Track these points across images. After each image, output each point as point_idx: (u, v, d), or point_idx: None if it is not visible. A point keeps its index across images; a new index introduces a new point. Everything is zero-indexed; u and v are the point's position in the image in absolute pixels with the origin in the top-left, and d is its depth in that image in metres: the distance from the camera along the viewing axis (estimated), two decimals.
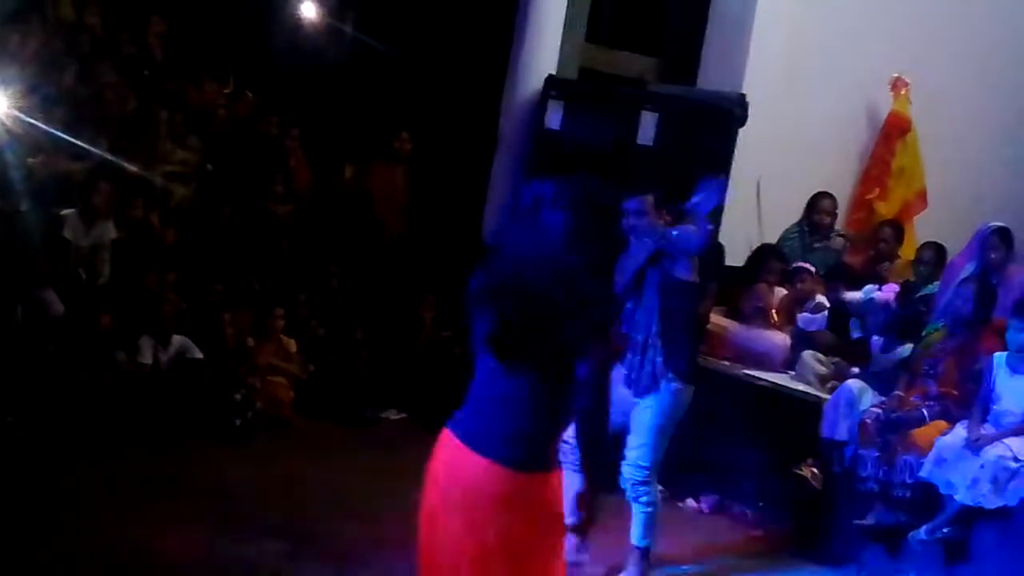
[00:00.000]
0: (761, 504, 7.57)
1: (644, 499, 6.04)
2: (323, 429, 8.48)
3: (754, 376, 7.94)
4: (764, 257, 8.61)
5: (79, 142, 8.83)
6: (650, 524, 6.06)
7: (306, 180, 10.08)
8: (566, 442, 5.64)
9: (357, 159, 10.29)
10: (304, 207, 9.88)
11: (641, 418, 5.98)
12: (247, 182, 9.59)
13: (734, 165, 9.15)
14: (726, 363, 8.19)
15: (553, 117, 9.71)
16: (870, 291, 8.08)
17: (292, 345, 8.74)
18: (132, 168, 8.99)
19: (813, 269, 8.58)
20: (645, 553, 6.08)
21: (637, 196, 6.08)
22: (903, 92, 9.96)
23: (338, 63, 11.13)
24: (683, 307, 6.03)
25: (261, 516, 6.50)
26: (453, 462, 3.90)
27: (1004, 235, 8.32)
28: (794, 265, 8.64)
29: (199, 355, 8.19)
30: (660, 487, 7.37)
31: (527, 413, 3.81)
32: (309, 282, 9.38)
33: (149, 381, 7.95)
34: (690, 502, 7.75)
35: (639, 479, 5.99)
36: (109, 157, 8.92)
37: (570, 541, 5.69)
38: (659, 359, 5.94)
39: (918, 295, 8.25)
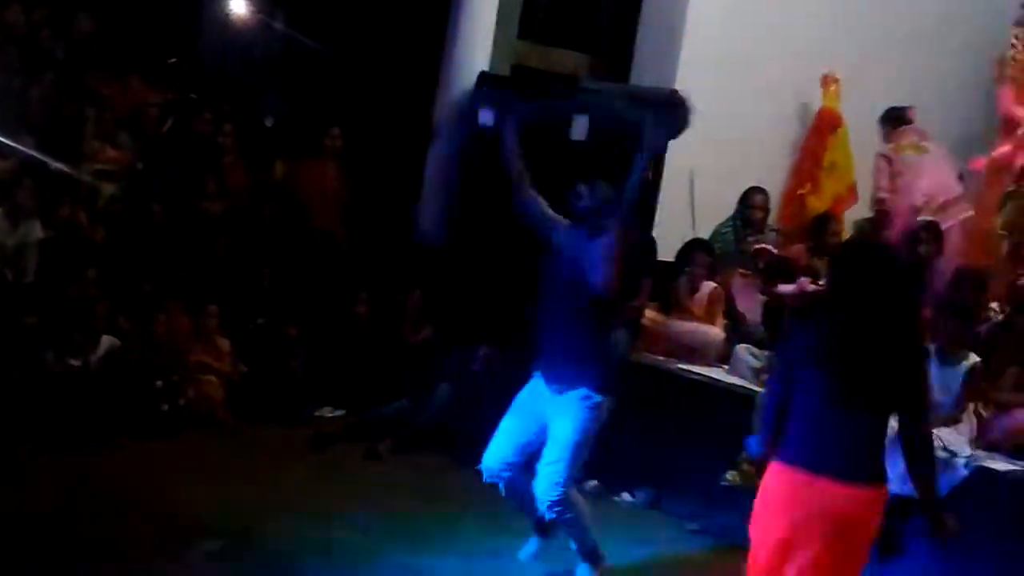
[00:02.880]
0: (695, 498, 7.59)
1: (566, 517, 5.87)
2: (257, 428, 8.41)
3: (688, 370, 7.97)
4: (691, 250, 8.64)
5: (3, 140, 8.68)
6: (582, 533, 5.98)
7: (240, 178, 9.99)
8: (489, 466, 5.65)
9: (289, 156, 10.21)
10: (237, 205, 9.78)
11: (558, 433, 5.78)
12: (179, 180, 9.48)
13: (667, 160, 9.20)
14: (660, 357, 8.21)
15: (486, 114, 9.69)
16: (804, 284, 8.13)
17: (225, 344, 8.66)
18: (59, 166, 8.86)
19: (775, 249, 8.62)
20: (589, 555, 6.05)
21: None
22: (833, 88, 10.07)
23: (270, 59, 11.05)
24: (596, 318, 5.83)
25: (192, 515, 6.43)
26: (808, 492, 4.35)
27: (932, 229, 8.45)
28: (754, 247, 8.67)
29: (129, 354, 8.08)
30: (595, 481, 7.42)
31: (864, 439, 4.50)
32: (242, 280, 9.29)
33: (78, 381, 7.83)
34: (625, 496, 7.76)
35: (555, 498, 5.78)
36: (35, 155, 8.78)
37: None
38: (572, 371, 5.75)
39: None
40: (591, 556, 6.01)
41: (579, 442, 5.77)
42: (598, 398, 5.76)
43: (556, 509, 5.80)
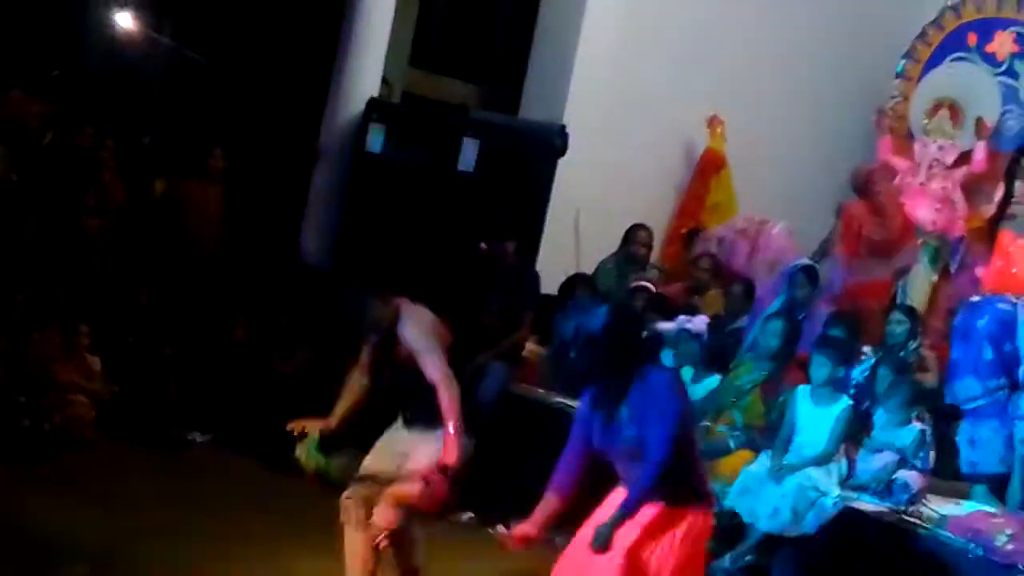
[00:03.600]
0: (572, 529, 7.58)
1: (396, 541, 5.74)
2: (126, 450, 8.22)
3: (566, 403, 7.97)
4: (573, 285, 8.68)
5: None
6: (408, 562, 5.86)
7: (119, 194, 9.80)
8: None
9: (170, 174, 10.05)
10: (116, 221, 9.59)
11: (415, 461, 5.65)
12: (58, 194, 9.27)
13: (553, 195, 9.25)
14: (539, 390, 8.21)
15: (374, 140, 9.68)
16: (683, 322, 8.19)
17: (96, 363, 8.46)
18: None
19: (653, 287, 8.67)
20: None
21: None
22: (719, 130, 10.25)
23: (155, 75, 10.88)
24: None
25: (58, 539, 6.25)
26: None
27: (810, 272, 8.60)
28: (633, 284, 8.71)
29: None
30: (470, 513, 7.38)
31: None
32: (118, 298, 9.11)
33: None
34: (500, 528, 7.70)
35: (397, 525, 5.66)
36: None
37: None
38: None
39: (727, 328, 8.44)
40: None
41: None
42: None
43: (393, 536, 5.64)
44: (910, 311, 8.35)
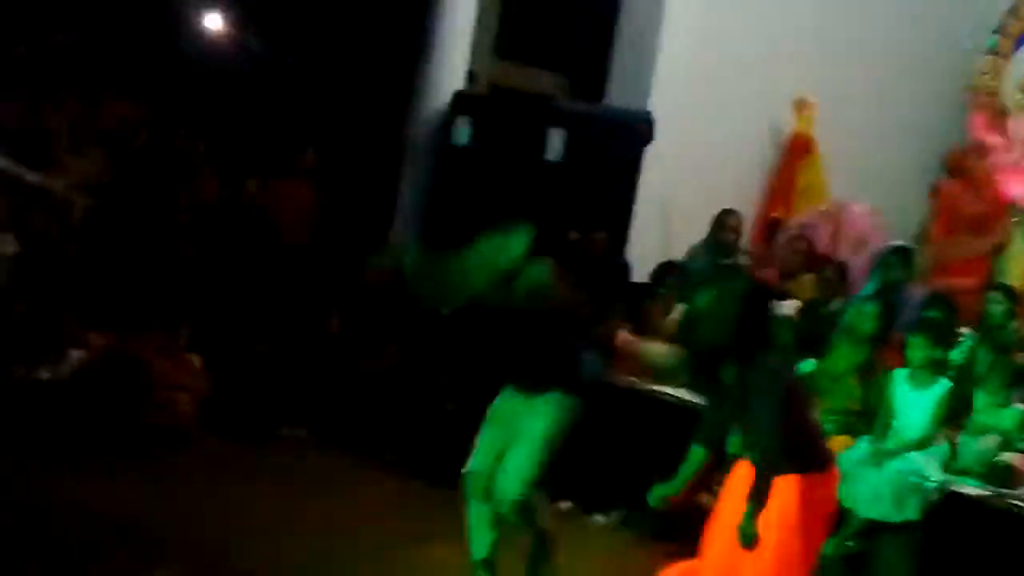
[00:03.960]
0: (668, 518, 7.57)
1: (525, 515, 5.87)
2: (226, 446, 8.35)
3: (660, 391, 7.97)
4: (665, 272, 8.66)
5: None
6: (540, 533, 5.98)
7: (212, 194, 9.95)
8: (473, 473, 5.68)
9: (263, 173, 10.18)
10: (209, 221, 9.75)
11: (527, 430, 5.82)
12: (152, 195, 9.44)
13: (641, 182, 9.23)
14: (633, 379, 8.21)
15: (461, 133, 9.73)
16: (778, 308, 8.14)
17: (196, 361, 8.61)
18: (32, 180, 8.80)
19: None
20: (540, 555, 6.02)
21: None
22: (806, 112, 10.15)
23: (245, 76, 11.01)
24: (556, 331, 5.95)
25: (161, 535, 6.36)
26: None
27: (904, 254, 8.51)
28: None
29: (98, 369, 8.04)
30: (568, 502, 7.40)
31: None
32: (214, 297, 9.25)
33: (47, 396, 7.77)
34: (597, 516, 7.75)
35: (518, 496, 5.79)
36: (8, 168, 8.72)
37: None
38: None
39: (821, 312, 8.38)
40: (488, 564, 5.97)
41: (547, 441, 5.81)
42: (568, 399, 5.84)
43: (519, 513, 5.81)
44: (1008, 290, 8.23)
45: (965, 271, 9.01)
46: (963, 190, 9.15)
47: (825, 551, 6.67)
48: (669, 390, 7.97)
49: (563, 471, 6.07)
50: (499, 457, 5.87)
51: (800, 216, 9.93)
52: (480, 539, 5.95)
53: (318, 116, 10.41)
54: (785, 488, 4.72)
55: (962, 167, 9.16)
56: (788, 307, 8.05)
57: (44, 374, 7.86)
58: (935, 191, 9.28)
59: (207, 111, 10.44)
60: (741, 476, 4.93)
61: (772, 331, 4.94)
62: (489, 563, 5.97)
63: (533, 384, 5.87)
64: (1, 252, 8.42)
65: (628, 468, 7.54)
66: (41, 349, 7.93)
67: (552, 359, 5.90)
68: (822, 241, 9.53)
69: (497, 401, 6.00)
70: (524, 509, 5.80)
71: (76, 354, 8.04)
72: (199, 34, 10.65)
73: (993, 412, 6.94)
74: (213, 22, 10.62)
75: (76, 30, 9.93)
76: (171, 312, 8.80)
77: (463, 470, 5.94)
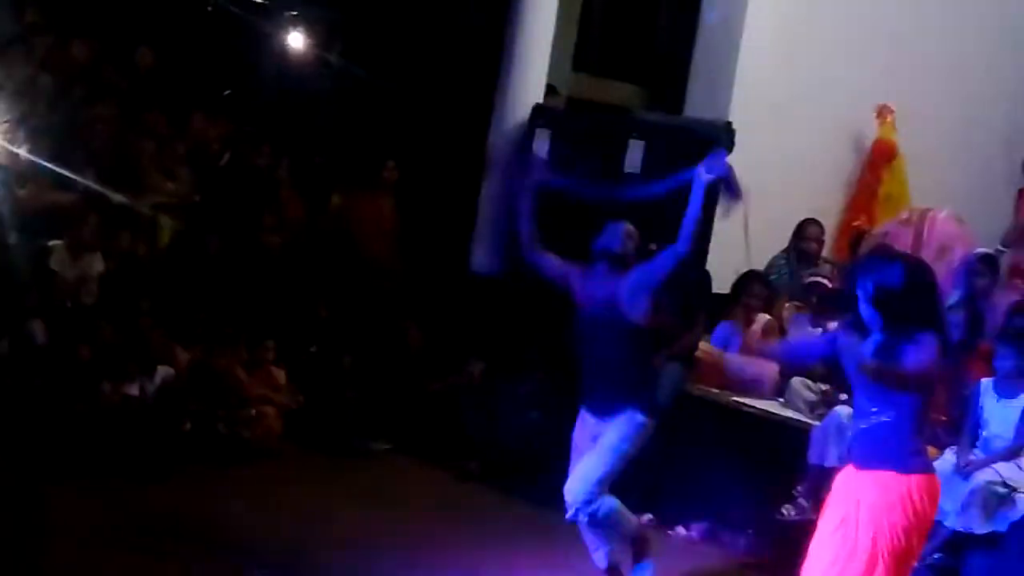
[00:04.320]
0: (751, 532, 7.54)
1: (597, 518, 5.99)
2: (313, 459, 8.45)
3: (743, 403, 7.93)
4: (747, 282, 8.61)
5: (67, 173, 8.81)
6: (613, 541, 6.06)
7: (296, 210, 10.08)
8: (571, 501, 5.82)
9: (344, 189, 10.29)
10: (294, 237, 9.87)
11: (602, 442, 5.98)
12: (238, 213, 9.58)
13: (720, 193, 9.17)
14: (715, 391, 8.17)
15: (540, 146, 9.75)
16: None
17: (282, 375, 8.72)
18: (120, 199, 8.98)
19: (830, 284, 8.56)
20: (612, 571, 6.10)
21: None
22: (889, 119, 10.03)
23: (325, 93, 11.15)
24: (637, 348, 6.07)
25: (251, 548, 6.46)
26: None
27: (989, 261, 8.37)
28: (809, 280, 8.62)
29: (185, 385, 8.17)
30: (649, 515, 7.39)
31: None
32: (299, 312, 9.36)
33: (136, 412, 7.91)
34: (680, 529, 7.73)
35: (587, 497, 5.93)
36: (97, 188, 8.90)
37: None
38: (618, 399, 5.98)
39: None
40: (613, 571, 6.10)
41: (621, 451, 5.95)
42: (643, 418, 5.96)
43: (587, 511, 5.94)
44: None
45: None
46: None
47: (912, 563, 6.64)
48: (752, 401, 7.94)
49: (644, 483, 6.10)
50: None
51: (882, 224, 9.81)
52: (599, 552, 6.05)
53: (399, 130, 10.51)
54: (906, 487, 4.71)
55: None
56: None
57: (133, 390, 7.99)
58: (1020, 195, 9.13)
59: (291, 128, 10.58)
60: (841, 486, 4.89)
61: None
62: (615, 570, 6.06)
63: (609, 407, 5.98)
64: (90, 271, 8.60)
65: (709, 480, 7.52)
66: (129, 365, 8.07)
67: (632, 378, 5.99)
68: (903, 248, 9.40)
69: (576, 431, 6.16)
70: (593, 510, 5.92)
71: (164, 370, 8.17)
72: (282, 51, 10.81)
73: None
74: (295, 39, 10.76)
75: (163, 50, 10.13)
76: (257, 326, 8.91)
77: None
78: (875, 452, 4.78)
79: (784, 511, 7.19)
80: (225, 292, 9.08)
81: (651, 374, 6.21)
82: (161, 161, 9.63)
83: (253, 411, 8.31)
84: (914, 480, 4.72)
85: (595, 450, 5.97)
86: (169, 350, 8.35)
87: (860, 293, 4.81)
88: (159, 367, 8.16)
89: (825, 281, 8.55)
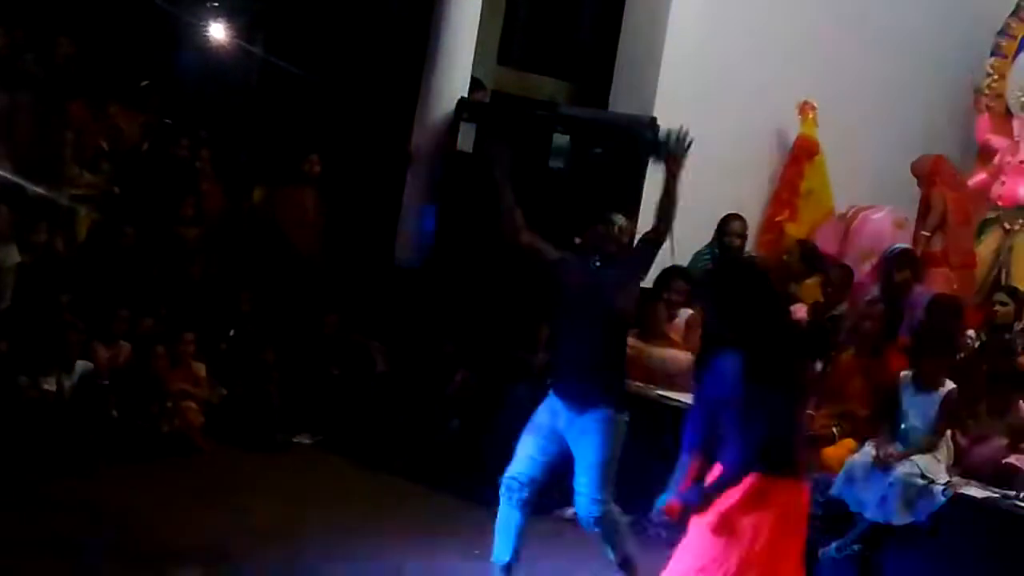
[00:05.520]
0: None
1: (608, 530, 6.07)
2: (235, 454, 8.37)
3: (666, 396, 7.96)
4: (669, 277, 8.66)
5: None
6: (621, 546, 6.11)
7: (217, 203, 9.96)
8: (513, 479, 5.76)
9: (267, 182, 10.20)
10: (214, 230, 9.76)
11: (584, 455, 6.00)
12: (156, 205, 9.46)
13: (645, 188, 9.22)
14: (638, 384, 8.20)
15: (465, 139, 9.73)
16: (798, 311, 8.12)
17: (202, 370, 8.62)
18: (36, 191, 8.83)
19: None
20: (625, 565, 6.13)
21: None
22: (811, 116, 10.14)
23: (248, 85, 11.05)
24: (614, 340, 6.10)
25: (172, 542, 6.39)
26: None
27: (908, 257, 8.49)
28: None
29: (104, 381, 8.06)
30: (572, 510, 7.39)
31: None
32: (220, 305, 9.27)
33: (54, 407, 7.79)
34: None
35: (596, 515, 6.01)
36: (12, 179, 8.75)
37: None
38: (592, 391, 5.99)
39: (827, 315, 8.37)
40: (627, 567, 6.12)
41: (606, 460, 6.00)
42: (617, 416, 5.99)
43: (600, 525, 6.02)
44: (1013, 292, 8.22)
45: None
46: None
47: (831, 553, 6.72)
48: (675, 395, 7.97)
49: (567, 479, 6.10)
50: (540, 466, 6.04)
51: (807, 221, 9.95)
52: (505, 544, 6.02)
53: (323, 123, 10.44)
54: (772, 491, 4.57)
55: (929, 179, 9.29)
56: (794, 311, 8.01)
57: (51, 385, 7.87)
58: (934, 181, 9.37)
59: (212, 120, 10.47)
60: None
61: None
62: (509, 568, 6.02)
63: (583, 398, 5.97)
64: (5, 262, 8.44)
65: (632, 472, 7.53)
66: (47, 360, 7.94)
67: (609, 370, 6.05)
68: (831, 244, 9.53)
69: (540, 411, 6.12)
70: (603, 522, 6.01)
71: (83, 364, 8.05)
72: (203, 43, 10.69)
73: (997, 415, 6.93)
74: (218, 30, 10.65)
75: (79, 40, 9.96)
76: (177, 320, 8.81)
77: (504, 475, 6.07)
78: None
79: None
80: (145, 285, 8.97)
81: (623, 368, 6.20)
82: (79, 152, 9.48)
83: (171, 404, 8.22)
84: (782, 484, 4.58)
85: (584, 465, 5.98)
86: (88, 344, 8.23)
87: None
88: (78, 362, 8.04)
89: None
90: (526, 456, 6.05)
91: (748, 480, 4.53)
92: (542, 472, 6.06)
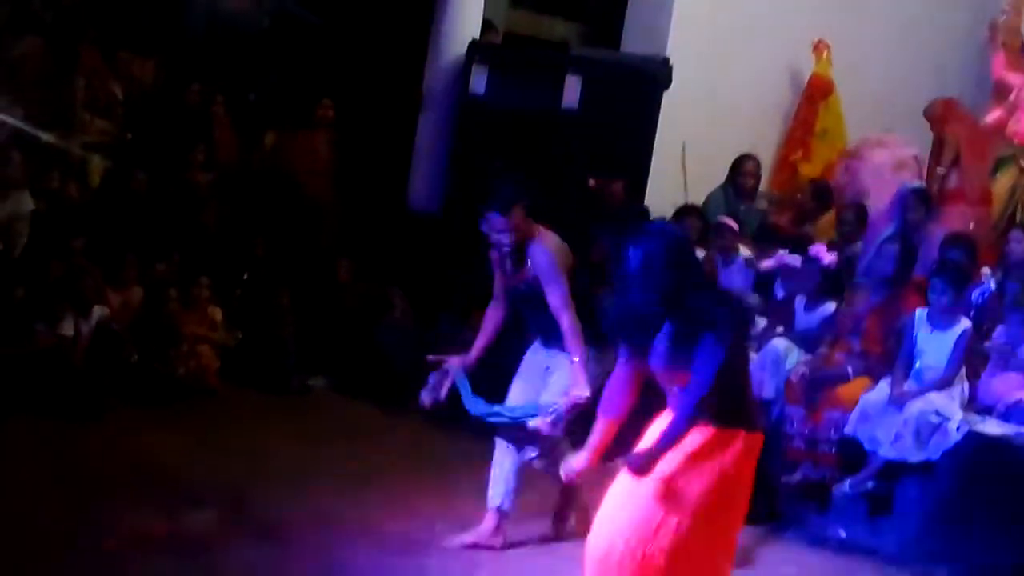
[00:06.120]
0: None
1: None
2: (250, 397, 8.42)
3: None
4: (682, 216, 8.63)
5: None
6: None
7: (231, 148, 9.95)
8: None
9: (280, 127, 10.17)
10: (228, 175, 9.76)
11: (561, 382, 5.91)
12: (167, 151, 9.45)
13: (659, 128, 9.20)
14: None
15: (477, 82, 9.69)
16: (781, 258, 8.06)
17: (217, 314, 8.65)
18: (49, 138, 8.83)
19: (735, 225, 8.56)
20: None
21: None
22: (825, 55, 10.06)
23: (260, 30, 10.99)
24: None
25: (188, 486, 6.42)
26: None
27: (922, 195, 8.46)
28: (716, 221, 8.63)
29: (120, 326, 8.10)
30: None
31: None
32: (234, 250, 9.28)
33: (70, 353, 7.82)
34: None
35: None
36: (23, 127, 8.74)
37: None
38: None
39: (841, 255, 8.34)
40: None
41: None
42: (596, 351, 5.82)
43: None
44: None
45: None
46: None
47: (844, 490, 6.74)
48: None
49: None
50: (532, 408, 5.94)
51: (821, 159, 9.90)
52: (500, 487, 6.02)
53: (335, 67, 10.39)
54: (718, 442, 4.39)
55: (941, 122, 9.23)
56: (827, 256, 7.94)
57: (67, 331, 7.90)
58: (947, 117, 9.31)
59: (224, 65, 10.43)
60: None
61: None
62: (504, 512, 6.03)
63: (555, 337, 5.91)
64: (19, 209, 8.46)
65: (640, 416, 7.53)
66: (63, 306, 7.97)
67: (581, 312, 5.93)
68: (841, 182, 9.49)
69: (528, 354, 6.11)
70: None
71: (99, 310, 8.08)
72: None
73: (1013, 348, 6.92)
74: None
75: None
76: (192, 265, 8.83)
77: (493, 420, 6.01)
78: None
79: None
80: (159, 231, 8.98)
81: (593, 304, 6.14)
82: (91, 99, 9.46)
83: (186, 348, 8.26)
84: (732, 435, 4.40)
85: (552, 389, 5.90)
86: (103, 290, 8.26)
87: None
88: (94, 307, 8.06)
89: (730, 222, 8.54)
90: (515, 399, 6.04)
91: (695, 436, 4.37)
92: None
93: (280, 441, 7.42)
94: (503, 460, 6.05)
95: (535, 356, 6.09)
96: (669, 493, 4.33)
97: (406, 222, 9.73)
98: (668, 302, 4.42)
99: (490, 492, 6.07)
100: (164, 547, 5.60)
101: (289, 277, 9.22)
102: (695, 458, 4.36)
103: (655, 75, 9.12)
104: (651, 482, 4.35)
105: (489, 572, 5.83)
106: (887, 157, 9.48)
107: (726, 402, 4.39)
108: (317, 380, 8.88)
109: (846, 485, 6.77)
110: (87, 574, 5.32)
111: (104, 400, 7.65)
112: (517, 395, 6.05)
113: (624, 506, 4.40)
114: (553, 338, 5.92)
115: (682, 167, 9.64)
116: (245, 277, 9.15)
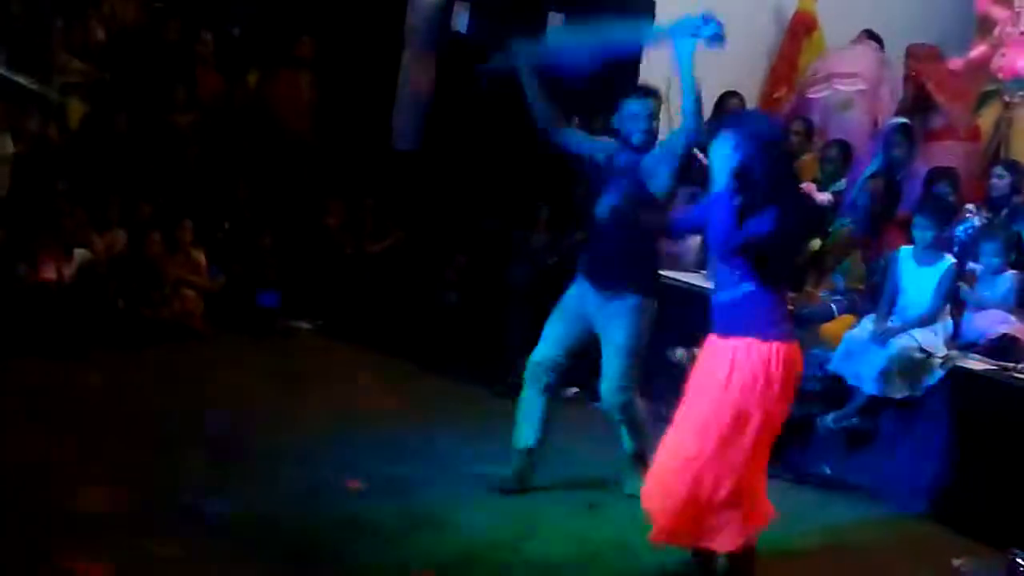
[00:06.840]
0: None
1: (630, 419, 6.05)
2: (235, 340, 8.41)
3: (666, 276, 7.94)
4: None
5: None
6: (641, 437, 6.05)
7: (215, 88, 9.85)
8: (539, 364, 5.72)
9: (262, 65, 10.08)
10: (210, 115, 9.68)
11: (613, 341, 5.96)
12: (150, 92, 9.37)
13: (642, 66, 9.12)
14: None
15: (460, 20, 9.61)
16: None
17: (201, 257, 8.62)
18: (26, 80, 8.74)
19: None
20: (639, 458, 6.04)
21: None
22: None
23: None
24: (651, 227, 5.97)
25: (174, 428, 6.43)
26: None
27: (907, 132, 8.44)
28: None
29: (102, 268, 8.07)
30: (575, 389, 7.44)
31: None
32: (216, 192, 9.23)
33: (54, 295, 7.80)
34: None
35: (622, 402, 5.99)
36: (2, 69, 8.65)
37: None
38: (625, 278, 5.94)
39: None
40: (640, 460, 5.99)
41: (635, 347, 5.96)
42: (647, 302, 5.93)
43: (623, 412, 6.01)
44: (1012, 165, 8.18)
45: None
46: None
47: (827, 423, 6.79)
48: (675, 274, 7.96)
49: (573, 360, 6.12)
50: (566, 351, 6.04)
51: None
52: (528, 428, 6.05)
53: (315, 5, 10.28)
54: (767, 354, 4.75)
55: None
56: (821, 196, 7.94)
57: (50, 274, 7.87)
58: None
59: (204, 3, 10.32)
60: (707, 355, 4.94)
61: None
62: (531, 451, 6.07)
63: (613, 282, 5.92)
64: (1, 153, 8.39)
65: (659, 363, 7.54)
66: (46, 249, 7.94)
67: (642, 256, 5.98)
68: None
69: (569, 295, 6.09)
70: (627, 409, 6.00)
71: (81, 252, 8.05)
72: None
73: (989, 281, 6.95)
74: None
75: None
76: (174, 208, 8.78)
77: (529, 359, 6.07)
78: (736, 321, 4.79)
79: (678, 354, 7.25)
80: (141, 173, 8.93)
81: (657, 253, 6.14)
82: (69, 40, 9.36)
83: (169, 290, 8.24)
84: (774, 348, 4.74)
85: (612, 352, 5.95)
86: (86, 233, 8.22)
87: (722, 162, 4.81)
88: (76, 250, 8.04)
89: (700, 156, 8.51)
90: (552, 340, 6.05)
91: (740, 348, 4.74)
92: (567, 357, 6.07)
93: (264, 383, 7.43)
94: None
95: (579, 299, 6.04)
96: (720, 396, 4.72)
97: (388, 160, 9.69)
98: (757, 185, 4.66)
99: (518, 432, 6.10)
100: (146, 487, 5.59)
101: (272, 218, 9.18)
102: (739, 369, 4.70)
103: (639, 11, 9.04)
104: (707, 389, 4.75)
105: (473, 510, 5.83)
106: (831, 97, 9.47)
107: (774, 266, 4.74)
108: (301, 322, 8.88)
109: (829, 418, 6.82)
110: (63, 511, 5.27)
111: (88, 341, 7.63)
112: (554, 337, 6.04)
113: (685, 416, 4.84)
114: (616, 278, 5.91)
115: (666, 104, 9.57)
116: (226, 226, 9.08)
